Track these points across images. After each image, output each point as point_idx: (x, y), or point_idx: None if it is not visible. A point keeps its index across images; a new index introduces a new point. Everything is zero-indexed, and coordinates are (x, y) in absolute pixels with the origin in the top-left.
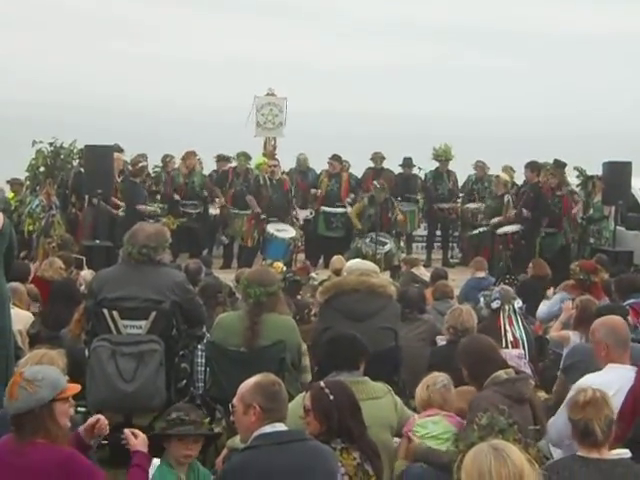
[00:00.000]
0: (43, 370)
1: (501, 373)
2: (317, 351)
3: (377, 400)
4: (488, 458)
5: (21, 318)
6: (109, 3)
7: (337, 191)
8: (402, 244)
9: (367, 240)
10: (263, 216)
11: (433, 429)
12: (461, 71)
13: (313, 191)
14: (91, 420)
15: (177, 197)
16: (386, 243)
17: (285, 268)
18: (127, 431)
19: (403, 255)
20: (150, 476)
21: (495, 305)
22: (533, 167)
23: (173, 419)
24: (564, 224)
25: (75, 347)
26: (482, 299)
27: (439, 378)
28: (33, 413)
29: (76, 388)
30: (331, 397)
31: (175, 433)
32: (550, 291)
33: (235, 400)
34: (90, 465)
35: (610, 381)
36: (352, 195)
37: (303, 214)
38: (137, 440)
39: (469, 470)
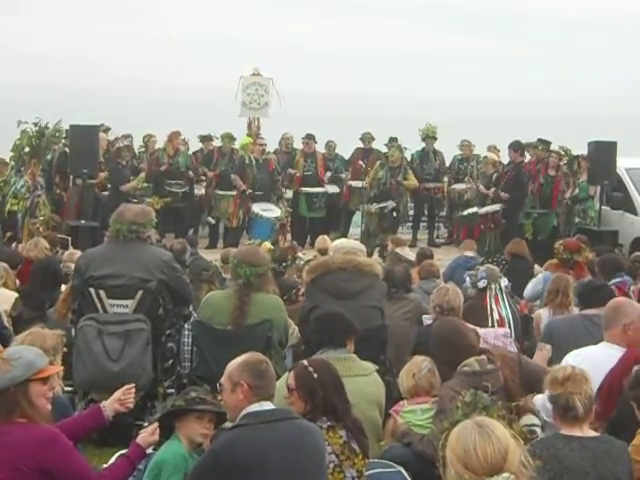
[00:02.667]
0: (22, 350)
1: (472, 362)
2: (304, 329)
3: (364, 377)
4: (472, 435)
5: (7, 298)
6: None
7: (314, 171)
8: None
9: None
10: (249, 191)
11: (422, 417)
12: (452, 54)
13: (290, 171)
14: (118, 393)
15: (163, 168)
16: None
17: (272, 247)
18: (151, 428)
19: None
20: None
21: (482, 284)
22: (516, 147)
23: (193, 398)
24: (556, 205)
25: (61, 327)
26: (468, 278)
27: (423, 364)
28: (7, 392)
29: (54, 369)
30: (315, 375)
31: (204, 409)
32: (537, 269)
33: (223, 379)
34: (72, 446)
35: (593, 357)
36: (328, 174)
37: (289, 194)
38: (144, 434)
39: (454, 447)
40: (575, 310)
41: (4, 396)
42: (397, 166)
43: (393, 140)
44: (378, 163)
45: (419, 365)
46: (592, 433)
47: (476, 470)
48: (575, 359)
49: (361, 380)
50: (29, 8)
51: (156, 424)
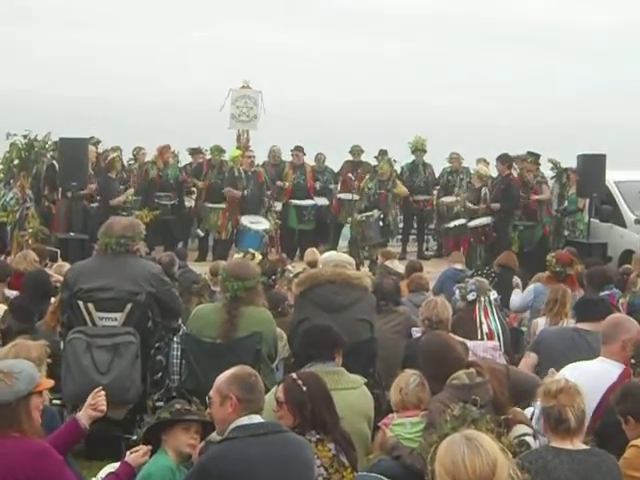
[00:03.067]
0: (19, 363)
1: (462, 375)
2: (293, 343)
3: (353, 390)
4: (461, 448)
5: None
6: None
7: (303, 183)
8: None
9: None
10: (245, 192)
11: (411, 430)
12: (447, 62)
13: (279, 184)
14: (88, 399)
15: (151, 176)
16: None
17: (262, 258)
18: (143, 449)
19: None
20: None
21: (471, 297)
22: (504, 160)
23: (178, 409)
24: (540, 215)
25: (50, 339)
26: (457, 291)
27: (411, 378)
28: (10, 406)
29: (50, 383)
30: (304, 389)
31: (190, 418)
32: (516, 280)
33: (212, 392)
34: (62, 461)
35: (590, 372)
36: (317, 183)
37: (278, 206)
38: (135, 454)
39: (443, 460)
40: (572, 322)
41: (7, 409)
42: (386, 179)
43: (383, 153)
44: (367, 176)
45: (407, 380)
46: (583, 446)
47: None
48: (572, 372)
49: (350, 393)
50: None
51: (148, 447)
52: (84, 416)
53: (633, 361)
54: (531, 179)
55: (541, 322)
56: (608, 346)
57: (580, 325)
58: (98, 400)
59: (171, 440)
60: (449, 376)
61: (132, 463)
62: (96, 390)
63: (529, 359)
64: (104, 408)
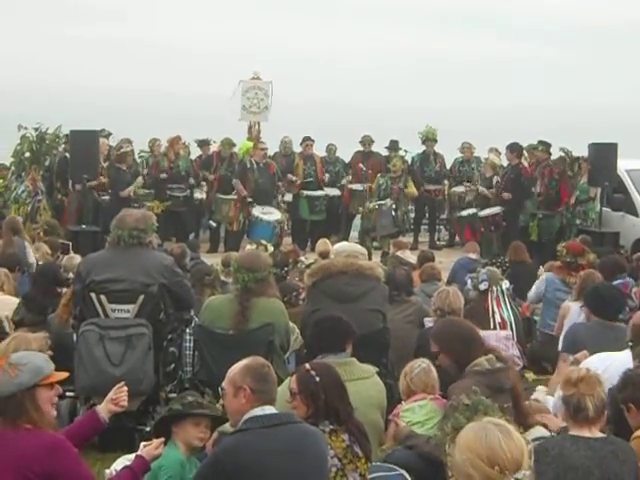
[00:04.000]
0: (29, 355)
1: (482, 361)
2: (305, 334)
3: (364, 380)
4: (496, 434)
5: (7, 304)
6: None
7: (314, 173)
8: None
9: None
10: (250, 199)
11: (420, 413)
12: (461, 61)
13: (289, 176)
14: (110, 393)
15: (163, 175)
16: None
17: (274, 249)
18: (156, 442)
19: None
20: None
21: (483, 286)
22: (513, 148)
23: (190, 402)
24: (562, 207)
25: (63, 332)
26: (470, 281)
27: (416, 364)
28: (15, 398)
29: (62, 375)
30: (317, 379)
31: (201, 413)
32: (541, 271)
33: (225, 383)
34: (77, 454)
35: (620, 361)
36: (327, 175)
37: (288, 197)
38: (148, 447)
39: (475, 448)
40: None
41: (11, 401)
42: (398, 175)
43: (394, 143)
44: (379, 175)
45: (412, 366)
46: (600, 434)
47: (505, 467)
48: (604, 362)
49: (362, 383)
50: None
51: (161, 440)
52: (104, 410)
53: (631, 343)
54: (558, 171)
55: (574, 307)
56: None
57: (608, 322)
58: (120, 395)
59: (181, 433)
60: (472, 359)
61: (146, 456)
62: (118, 385)
63: (566, 364)
64: (125, 403)
